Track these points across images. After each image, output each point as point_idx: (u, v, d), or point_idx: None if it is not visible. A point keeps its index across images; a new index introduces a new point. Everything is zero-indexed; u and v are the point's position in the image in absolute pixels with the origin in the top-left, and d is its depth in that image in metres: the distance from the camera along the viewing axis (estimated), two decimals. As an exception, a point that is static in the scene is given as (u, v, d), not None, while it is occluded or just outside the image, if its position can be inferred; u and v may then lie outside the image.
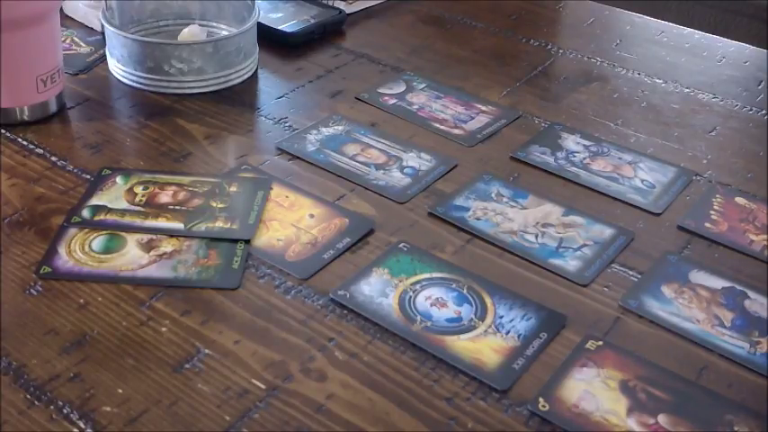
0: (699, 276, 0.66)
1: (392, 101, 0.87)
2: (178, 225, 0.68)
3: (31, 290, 0.61)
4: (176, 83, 0.85)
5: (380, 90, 0.89)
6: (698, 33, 1.05)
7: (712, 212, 0.73)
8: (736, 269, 0.67)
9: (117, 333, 0.58)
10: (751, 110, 0.89)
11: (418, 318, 0.60)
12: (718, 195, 0.75)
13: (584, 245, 0.68)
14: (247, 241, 0.66)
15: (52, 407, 0.53)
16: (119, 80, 0.87)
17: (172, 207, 0.69)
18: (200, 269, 0.64)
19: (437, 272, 0.65)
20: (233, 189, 0.72)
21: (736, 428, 0.54)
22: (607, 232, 0.70)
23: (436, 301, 0.62)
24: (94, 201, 0.70)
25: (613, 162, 0.79)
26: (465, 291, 0.63)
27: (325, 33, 0.99)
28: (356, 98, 0.87)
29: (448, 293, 0.63)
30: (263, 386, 0.55)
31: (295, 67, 0.93)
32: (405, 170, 0.76)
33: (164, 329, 0.59)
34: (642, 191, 0.75)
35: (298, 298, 0.62)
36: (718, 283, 0.65)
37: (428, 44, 1.00)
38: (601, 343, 0.59)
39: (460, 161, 0.78)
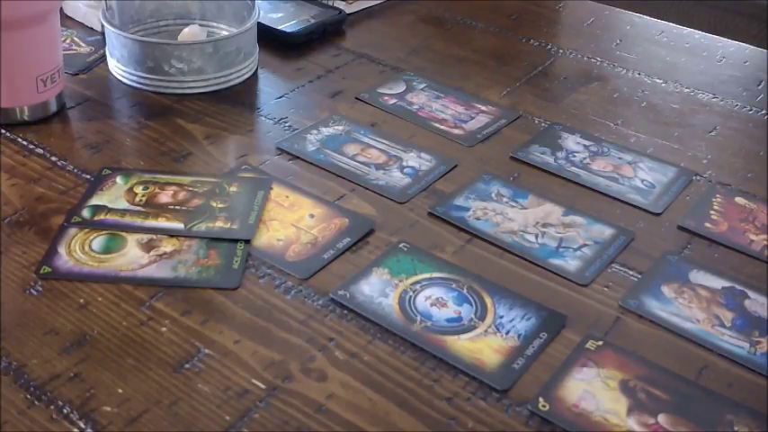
0: (699, 276, 0.66)
1: (392, 101, 0.87)
2: (178, 225, 0.68)
3: (32, 290, 0.61)
4: (176, 83, 0.85)
5: (380, 90, 0.89)
6: (698, 33, 1.05)
7: (712, 212, 0.73)
8: (736, 269, 0.67)
9: (117, 333, 0.58)
10: (751, 110, 0.89)
11: (418, 318, 0.60)
12: (718, 195, 0.75)
13: (585, 245, 0.68)
14: (247, 241, 0.66)
15: (52, 407, 0.53)
16: (119, 80, 0.87)
17: (172, 207, 0.69)
18: (200, 269, 0.64)
19: (437, 272, 0.65)
20: (233, 189, 0.72)
21: (736, 428, 0.54)
22: (607, 232, 0.70)
23: (436, 301, 0.62)
24: (94, 201, 0.70)
25: (613, 162, 0.79)
26: (465, 291, 0.63)
27: (326, 33, 0.99)
28: (356, 98, 0.87)
29: (448, 293, 0.63)
30: (263, 386, 0.55)
31: (295, 67, 0.93)
32: (405, 170, 0.76)
33: (164, 329, 0.59)
34: (642, 191, 0.75)
35: (298, 298, 0.62)
36: (719, 283, 0.65)
37: (428, 44, 1.00)
38: (601, 343, 0.59)
39: (460, 161, 0.78)
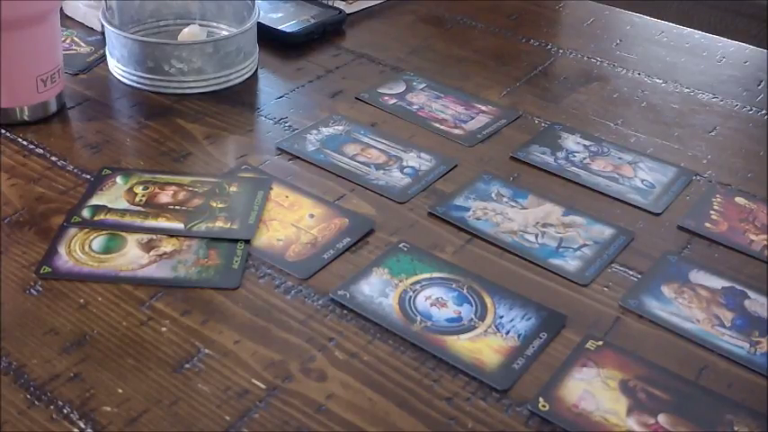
0: (699, 276, 0.66)
1: (392, 101, 0.87)
2: (178, 225, 0.68)
3: (31, 290, 0.61)
4: (176, 83, 0.85)
5: (380, 90, 0.89)
6: (698, 33, 1.05)
7: (712, 212, 0.73)
8: (736, 269, 0.67)
9: (117, 333, 0.58)
10: (751, 110, 0.89)
11: (418, 318, 0.60)
12: (718, 195, 0.75)
13: (584, 245, 0.68)
14: (247, 241, 0.66)
15: (52, 407, 0.53)
16: (119, 80, 0.87)
17: (172, 207, 0.69)
18: (200, 269, 0.64)
19: (437, 272, 0.65)
20: (233, 189, 0.72)
21: (736, 428, 0.54)
22: (607, 232, 0.70)
23: (436, 301, 0.62)
24: (94, 201, 0.70)
25: (613, 162, 0.79)
26: (465, 291, 0.63)
27: (325, 33, 0.99)
28: (356, 98, 0.87)
29: (448, 293, 0.63)
30: (263, 386, 0.55)
31: (295, 67, 0.93)
32: (405, 170, 0.76)
33: (164, 329, 0.59)
34: (642, 191, 0.75)
35: (298, 298, 0.62)
36: (718, 283, 0.65)
37: (428, 44, 1.00)
38: (601, 343, 0.59)
39: (460, 161, 0.78)
